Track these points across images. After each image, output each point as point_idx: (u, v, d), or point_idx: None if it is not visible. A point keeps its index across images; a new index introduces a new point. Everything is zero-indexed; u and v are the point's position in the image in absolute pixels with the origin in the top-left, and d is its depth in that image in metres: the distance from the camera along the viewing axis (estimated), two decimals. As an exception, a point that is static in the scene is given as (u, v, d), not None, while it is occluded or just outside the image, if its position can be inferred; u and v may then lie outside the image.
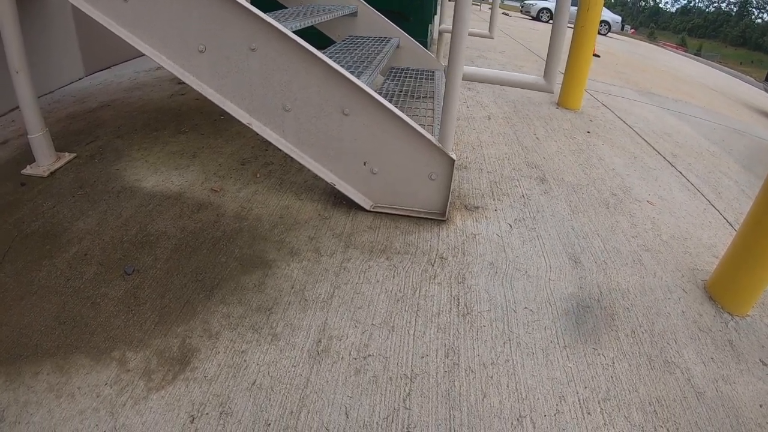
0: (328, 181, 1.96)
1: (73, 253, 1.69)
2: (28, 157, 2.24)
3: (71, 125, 2.75)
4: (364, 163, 1.92)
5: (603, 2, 3.91)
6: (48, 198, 2.00)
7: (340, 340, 1.39)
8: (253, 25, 1.76)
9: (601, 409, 1.26)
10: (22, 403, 1.16)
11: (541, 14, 20.85)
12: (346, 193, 1.99)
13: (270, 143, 1.94)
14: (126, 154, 2.41)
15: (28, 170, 2.18)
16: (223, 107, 1.90)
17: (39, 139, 2.17)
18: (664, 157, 3.18)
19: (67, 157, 2.33)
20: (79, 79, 3.75)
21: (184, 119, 2.94)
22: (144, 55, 1.89)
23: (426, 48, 3.56)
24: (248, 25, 1.76)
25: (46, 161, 2.23)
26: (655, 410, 1.28)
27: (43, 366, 1.26)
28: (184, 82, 1.90)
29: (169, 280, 1.58)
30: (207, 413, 1.16)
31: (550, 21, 19.69)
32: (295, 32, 1.85)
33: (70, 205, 1.95)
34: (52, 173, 2.19)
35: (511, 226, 2.04)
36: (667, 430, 1.24)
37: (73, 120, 2.83)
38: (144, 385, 1.22)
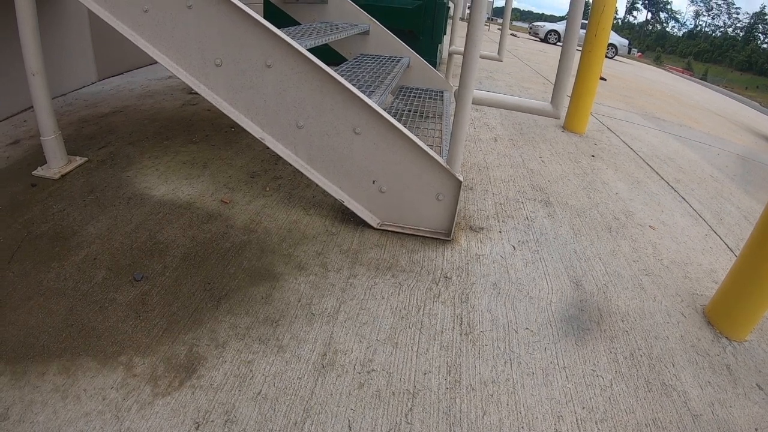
0: (338, 198, 1.99)
1: (82, 256, 1.71)
2: (39, 159, 2.28)
3: (83, 129, 2.79)
4: (373, 182, 1.95)
5: (611, 27, 3.96)
6: (58, 200, 2.03)
7: (345, 354, 1.41)
8: (269, 42, 1.80)
9: (599, 429, 1.27)
10: (27, 402, 1.18)
11: (549, 36, 21.02)
12: (355, 211, 2.01)
13: (279, 157, 1.97)
14: (137, 161, 2.45)
15: (40, 172, 2.22)
16: (237, 121, 1.93)
17: (52, 141, 2.21)
18: (667, 182, 3.21)
19: (78, 161, 2.36)
20: (92, 83, 3.80)
21: (195, 129, 2.98)
22: (156, 62, 1.93)
23: (435, 67, 3.61)
24: (265, 41, 1.80)
25: (57, 164, 2.26)
26: (651, 433, 1.29)
27: (49, 367, 1.28)
28: (195, 92, 1.93)
29: (178, 288, 1.60)
30: (212, 420, 1.17)
31: (558, 43, 19.86)
32: (309, 49, 1.89)
33: (81, 209, 1.98)
34: (63, 176, 2.22)
35: (514, 247, 2.07)
36: (664, 454, 1.25)
37: (85, 124, 2.88)
38: (150, 390, 1.24)
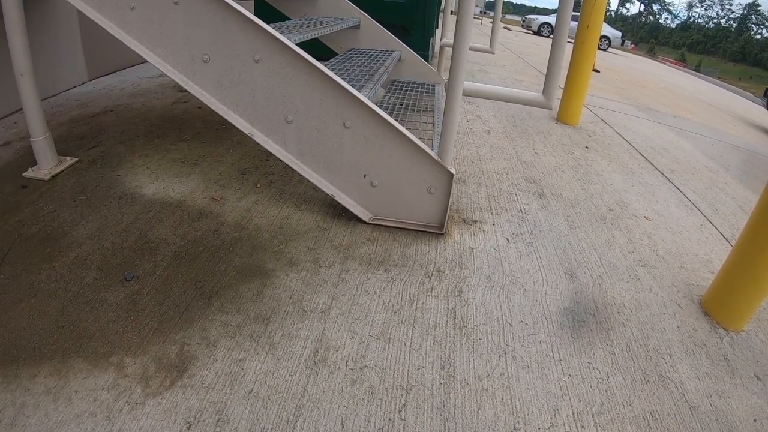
0: (328, 193, 1.98)
1: (73, 257, 1.70)
2: (30, 160, 2.26)
3: (74, 129, 2.77)
4: (364, 176, 1.93)
5: (603, 19, 3.95)
6: (49, 201, 2.01)
7: (337, 350, 1.40)
8: (257, 37, 1.78)
9: (596, 422, 1.27)
10: (19, 405, 1.17)
11: (542, 29, 20.99)
12: (346, 205, 2.00)
13: (270, 153, 1.95)
14: (128, 160, 2.43)
15: (30, 173, 2.19)
16: (225, 117, 1.91)
17: (41, 142, 2.19)
18: (661, 173, 3.21)
19: (69, 161, 2.34)
20: (83, 83, 3.77)
21: (186, 127, 2.96)
22: (147, 61, 1.91)
23: (427, 61, 3.59)
24: (253, 36, 1.78)
25: (47, 165, 2.24)
26: (649, 424, 1.28)
27: (40, 369, 1.26)
28: (186, 90, 1.92)
29: (168, 287, 1.59)
30: (204, 420, 1.16)
31: (551, 36, 19.83)
32: (298, 44, 1.87)
33: (71, 210, 1.96)
34: (53, 177, 2.20)
35: (508, 240, 2.06)
36: (660, 445, 1.25)
37: (76, 124, 2.85)
38: (141, 390, 1.23)
